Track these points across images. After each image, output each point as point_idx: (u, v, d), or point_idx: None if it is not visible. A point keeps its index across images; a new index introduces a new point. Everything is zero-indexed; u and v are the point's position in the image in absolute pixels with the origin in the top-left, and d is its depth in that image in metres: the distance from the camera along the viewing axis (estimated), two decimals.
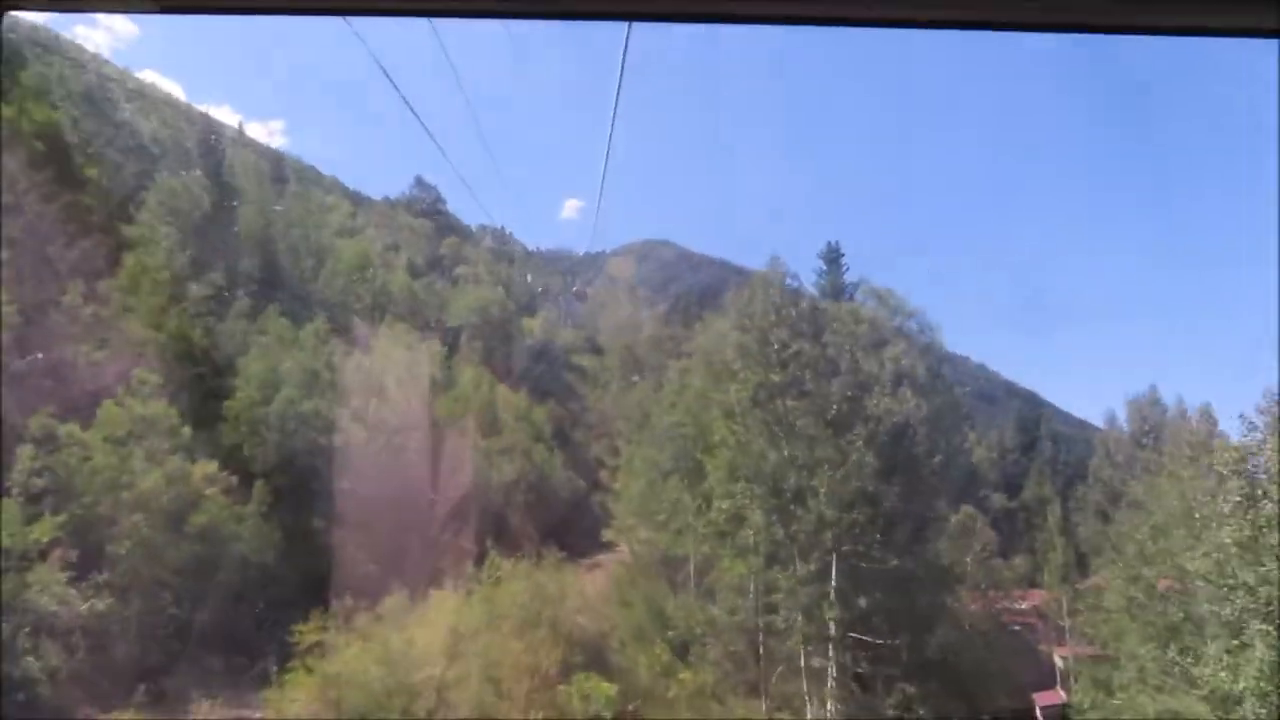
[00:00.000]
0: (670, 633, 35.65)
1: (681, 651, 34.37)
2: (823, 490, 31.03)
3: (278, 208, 70.43)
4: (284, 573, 40.02)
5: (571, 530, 67.38)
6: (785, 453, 32.43)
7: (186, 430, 39.86)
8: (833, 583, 31.66)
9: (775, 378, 33.03)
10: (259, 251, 64.97)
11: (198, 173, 63.86)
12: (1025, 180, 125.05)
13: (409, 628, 34.30)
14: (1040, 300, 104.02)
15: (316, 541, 42.05)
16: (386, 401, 51.45)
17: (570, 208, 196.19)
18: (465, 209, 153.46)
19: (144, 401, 38.80)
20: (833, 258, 34.62)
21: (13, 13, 2.15)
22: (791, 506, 32.03)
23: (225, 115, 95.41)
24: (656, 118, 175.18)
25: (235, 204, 66.05)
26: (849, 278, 42.08)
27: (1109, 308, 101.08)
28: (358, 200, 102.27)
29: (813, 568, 31.77)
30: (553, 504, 65.64)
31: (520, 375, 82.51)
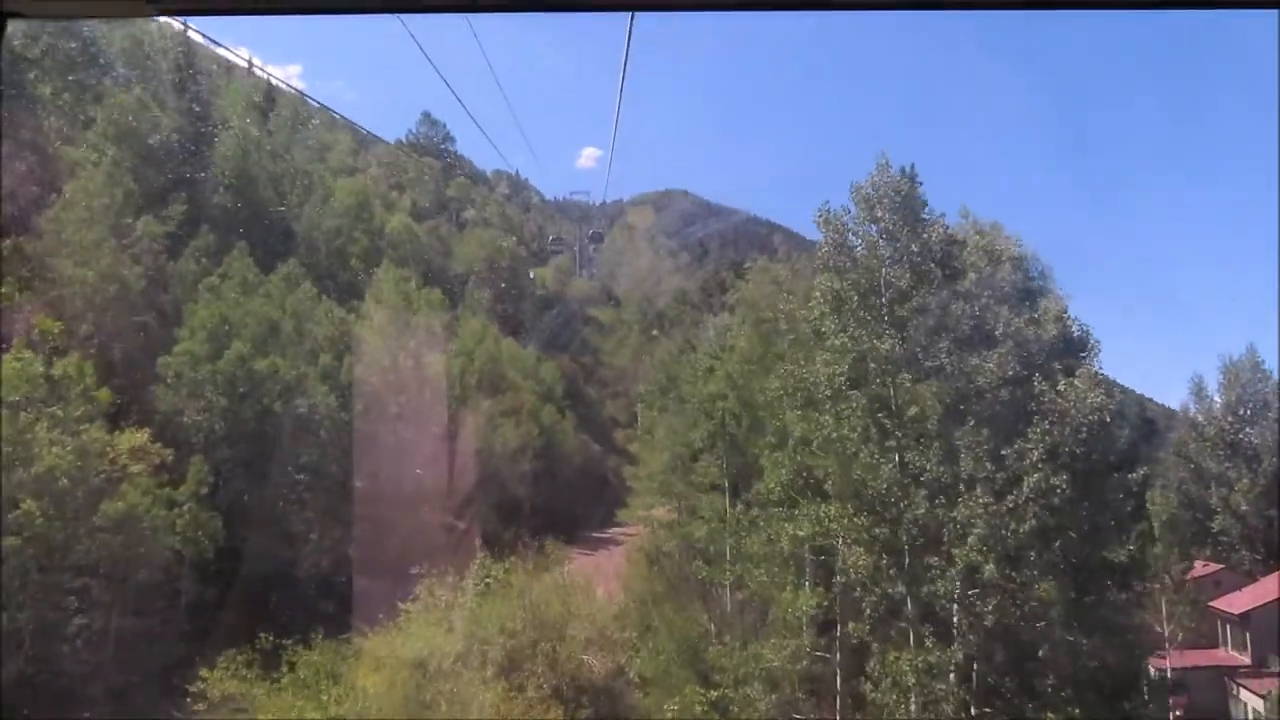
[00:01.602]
0: (706, 682, 26.43)
1: (721, 709, 25.09)
2: (976, 527, 20.12)
3: (265, 142, 60.56)
4: (222, 573, 31.00)
5: (584, 500, 58.47)
6: (905, 463, 22.22)
7: (104, 393, 30.69)
8: (974, 667, 20.96)
9: (886, 346, 22.00)
10: (237, 187, 55.35)
11: (161, 94, 53.97)
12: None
13: (358, 669, 25.27)
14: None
15: (268, 533, 33.03)
16: (369, 359, 42.21)
17: (588, 156, 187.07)
18: (479, 154, 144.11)
19: (48, 357, 29.64)
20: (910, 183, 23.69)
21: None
22: (915, 544, 21.25)
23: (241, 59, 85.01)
24: (675, 65, 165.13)
25: (208, 131, 56.29)
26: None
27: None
28: (364, 140, 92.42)
29: (950, 646, 20.89)
30: (563, 473, 56.64)
31: (530, 327, 73.15)
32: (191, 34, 55.45)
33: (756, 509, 28.59)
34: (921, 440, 21.87)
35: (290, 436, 34.75)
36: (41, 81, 45.18)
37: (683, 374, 42.31)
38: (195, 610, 30.96)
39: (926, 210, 23.85)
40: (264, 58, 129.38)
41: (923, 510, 20.90)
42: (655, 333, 76.80)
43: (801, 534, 22.58)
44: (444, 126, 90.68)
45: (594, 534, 56.84)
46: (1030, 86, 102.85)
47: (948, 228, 23.71)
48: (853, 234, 24.16)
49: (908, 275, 23.02)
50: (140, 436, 31.91)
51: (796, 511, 23.34)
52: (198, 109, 58.80)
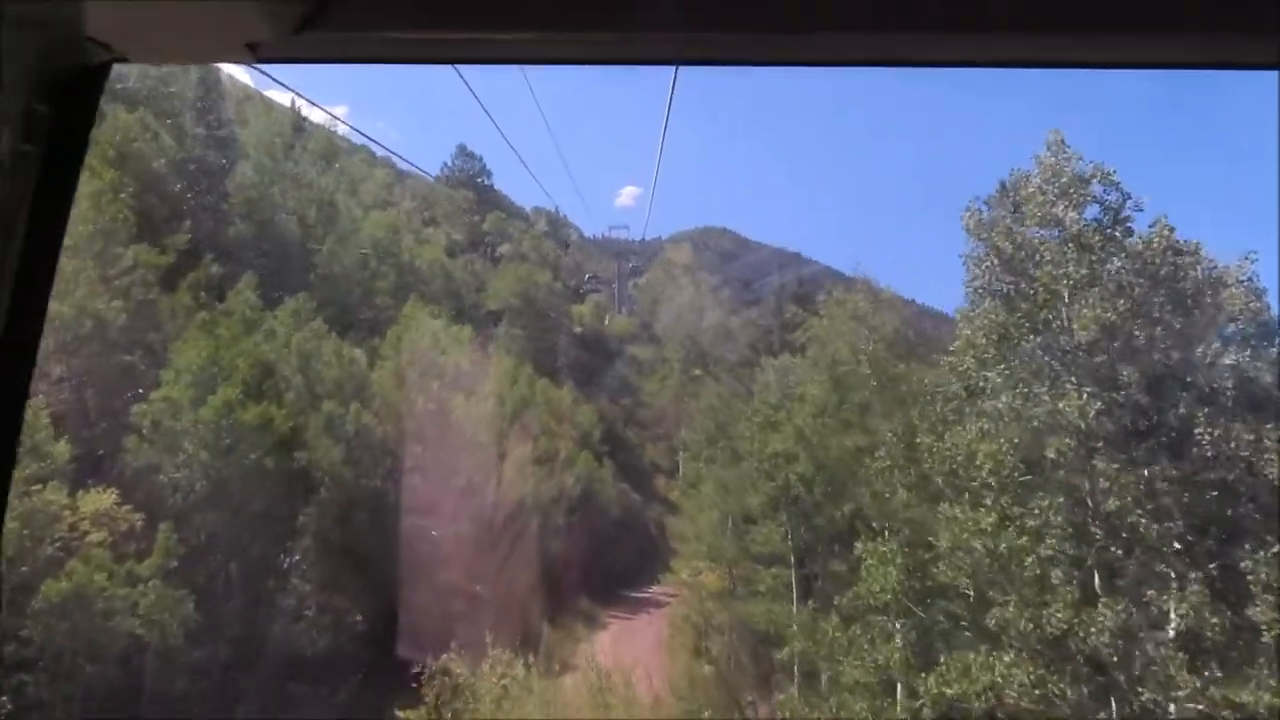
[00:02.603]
0: None
1: None
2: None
3: (288, 172, 55.73)
4: (193, 663, 25.26)
5: (623, 556, 52.32)
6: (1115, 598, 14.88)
7: (62, 448, 25.28)
8: None
9: (1075, 412, 14.49)
10: (254, 218, 50.47)
11: (176, 118, 49.28)
12: None
13: None
14: None
15: (251, 613, 27.34)
16: (385, 404, 36.65)
17: (627, 195, 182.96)
18: (518, 190, 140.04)
19: None
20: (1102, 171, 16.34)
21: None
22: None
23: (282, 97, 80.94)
24: (715, 104, 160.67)
25: (229, 160, 51.48)
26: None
27: None
28: (401, 175, 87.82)
29: None
30: (601, 526, 50.47)
31: (567, 367, 67.40)
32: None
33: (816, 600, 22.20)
34: (1145, 563, 14.63)
35: (284, 497, 29.09)
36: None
37: (737, 424, 36.31)
38: (157, 706, 25.22)
39: (1130, 204, 16.73)
40: (312, 96, 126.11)
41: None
42: (698, 372, 70.68)
43: (951, 692, 15.60)
44: (480, 160, 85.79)
45: (634, 593, 50.65)
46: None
47: (1171, 231, 16.17)
48: (1012, 241, 17.13)
49: (1114, 305, 15.36)
50: (106, 498, 26.48)
51: (944, 662, 16.36)
52: (219, 136, 54.20)
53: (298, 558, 29.63)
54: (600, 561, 48.38)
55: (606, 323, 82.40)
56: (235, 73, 58.99)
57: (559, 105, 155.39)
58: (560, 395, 57.66)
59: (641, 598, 49.89)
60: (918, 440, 19.83)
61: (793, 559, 28.65)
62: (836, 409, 26.57)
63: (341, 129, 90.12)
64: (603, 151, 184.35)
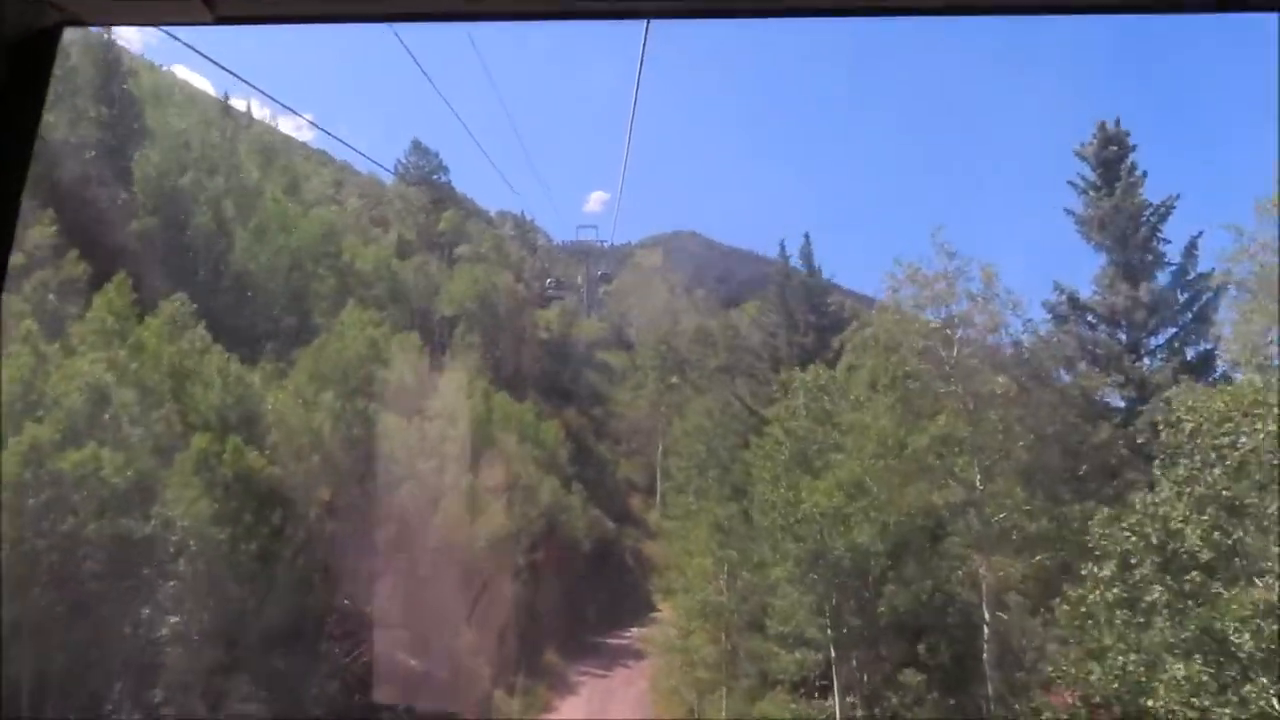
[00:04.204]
0: None
1: None
2: None
3: (203, 161, 46.45)
4: None
5: (597, 596, 43.44)
6: None
7: None
8: None
9: None
10: (161, 212, 41.32)
11: (69, 96, 39.93)
12: None
13: None
14: None
15: None
16: (288, 435, 27.64)
17: (595, 200, 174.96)
18: (478, 191, 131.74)
19: None
20: None
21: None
22: None
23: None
24: (681, 108, 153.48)
25: (126, 147, 42.17)
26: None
27: None
28: (350, 172, 78.47)
29: None
30: (570, 563, 41.49)
31: (531, 377, 58.40)
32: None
33: None
34: None
35: (118, 574, 20.05)
36: None
37: (732, 449, 27.74)
38: None
39: None
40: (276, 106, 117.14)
41: None
42: (676, 380, 61.95)
43: None
44: (437, 156, 76.40)
45: (609, 639, 41.82)
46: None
47: None
48: None
49: None
50: None
51: None
52: (124, 120, 45.03)
53: (146, 652, 20.57)
54: (569, 606, 39.60)
55: (574, 328, 73.38)
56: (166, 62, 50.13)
57: (524, 108, 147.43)
58: (522, 410, 48.65)
59: (618, 645, 41.10)
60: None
61: (833, 652, 20.26)
62: (904, 448, 18.19)
63: (286, 129, 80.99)
64: (569, 157, 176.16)
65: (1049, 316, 25.75)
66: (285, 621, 24.27)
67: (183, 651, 21.18)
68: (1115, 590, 13.57)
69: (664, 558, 45.60)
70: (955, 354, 18.75)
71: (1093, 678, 13.67)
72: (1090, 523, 14.53)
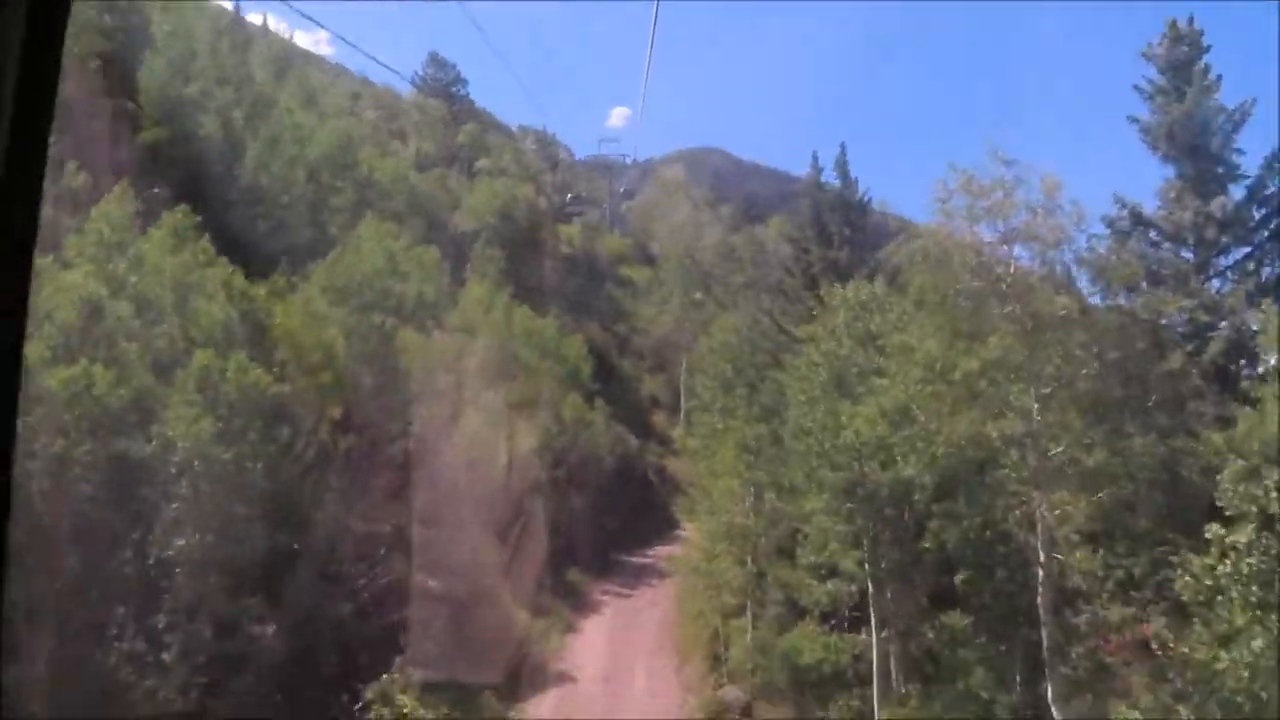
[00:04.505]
0: None
1: None
2: None
3: (211, 69, 44.43)
4: None
5: (619, 513, 42.46)
6: None
7: None
8: None
9: None
10: (169, 122, 39.57)
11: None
12: None
13: None
14: None
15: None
16: (299, 352, 26.35)
17: (618, 116, 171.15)
18: (498, 107, 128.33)
19: None
20: None
21: None
22: None
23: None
24: (706, 21, 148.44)
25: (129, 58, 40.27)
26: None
27: None
28: (367, 84, 75.88)
29: None
30: (593, 480, 40.42)
31: (552, 293, 56.77)
32: None
33: None
34: None
35: (115, 497, 19.01)
36: None
37: (759, 368, 26.12)
38: None
39: None
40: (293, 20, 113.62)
41: None
42: (700, 296, 60.15)
43: None
44: (455, 68, 73.68)
45: (632, 557, 40.98)
46: None
47: None
48: None
49: None
50: None
51: None
52: (128, 32, 43.06)
53: (152, 581, 19.65)
54: (592, 523, 38.61)
55: (597, 243, 71.44)
56: None
57: (546, 22, 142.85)
58: (544, 325, 47.16)
59: (641, 563, 40.24)
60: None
61: (869, 586, 18.93)
62: (954, 373, 16.42)
63: (304, 43, 78.41)
64: (591, 72, 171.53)
65: (1108, 232, 23.57)
66: (296, 543, 23.34)
67: (187, 575, 20.26)
68: (1252, 560, 11.75)
69: (687, 475, 44.55)
70: (1012, 271, 16.91)
71: (1219, 665, 11.99)
72: (1219, 477, 12.78)
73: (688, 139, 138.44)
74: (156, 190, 32.71)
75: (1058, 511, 15.46)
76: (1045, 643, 16.34)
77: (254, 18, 67.22)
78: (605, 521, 40.17)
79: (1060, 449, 16.09)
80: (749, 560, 26.66)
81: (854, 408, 18.86)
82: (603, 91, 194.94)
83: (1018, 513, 16.34)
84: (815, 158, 36.53)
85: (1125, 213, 25.07)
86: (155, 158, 37.60)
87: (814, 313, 22.89)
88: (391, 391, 31.20)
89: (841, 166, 32.73)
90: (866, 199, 32.87)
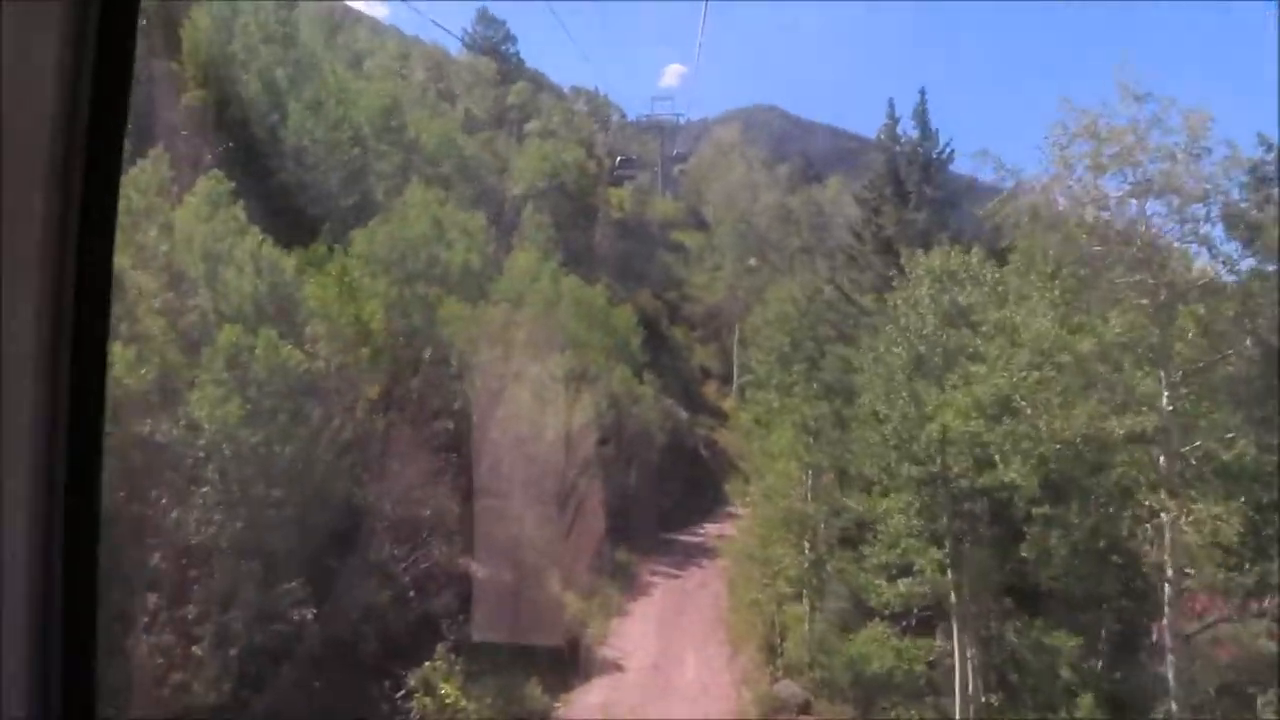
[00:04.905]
0: None
1: None
2: None
3: (254, 28, 42.99)
4: None
5: (669, 490, 40.92)
6: None
7: None
8: None
9: None
10: (208, 84, 38.29)
11: None
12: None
13: None
14: None
15: None
16: (334, 327, 24.94)
17: (671, 74, 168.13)
18: (548, 67, 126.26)
19: None
20: None
21: None
22: None
23: None
24: None
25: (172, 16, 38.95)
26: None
27: None
28: (414, 43, 74.06)
29: None
30: (642, 454, 38.84)
31: (602, 260, 55.00)
32: None
33: None
34: None
35: (138, 482, 17.85)
36: None
37: (851, 362, 23.85)
38: None
39: None
40: None
41: None
42: (755, 263, 57.94)
43: None
44: (505, 25, 71.67)
45: (682, 535, 39.45)
46: None
47: None
48: None
49: None
50: None
51: None
52: None
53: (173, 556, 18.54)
54: (641, 500, 37.12)
55: (648, 207, 69.30)
56: None
57: None
58: (593, 294, 45.44)
59: (691, 542, 38.71)
60: None
61: (952, 595, 16.99)
62: (1071, 353, 14.07)
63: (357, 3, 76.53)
64: (644, 29, 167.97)
65: (1247, 179, 19.65)
66: (332, 527, 22.12)
67: (217, 563, 19.11)
68: None
69: (739, 449, 42.81)
70: (1144, 230, 14.29)
71: None
72: None
73: (743, 97, 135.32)
74: (196, 154, 31.62)
75: (1191, 519, 13.15)
76: (1171, 672, 14.20)
77: None
78: (655, 499, 38.67)
79: (1196, 445, 13.66)
80: (807, 547, 24.91)
81: (941, 395, 16.67)
82: (656, 49, 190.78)
83: (1142, 522, 14.02)
84: (891, 106, 31.66)
85: (1273, 156, 21.21)
86: (197, 121, 36.44)
87: (892, 282, 20.33)
88: (434, 366, 29.87)
89: (920, 117, 28.96)
90: (948, 153, 29.15)
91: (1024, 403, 14.82)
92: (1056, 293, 14.29)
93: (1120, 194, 14.11)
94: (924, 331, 18.94)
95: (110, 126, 1.75)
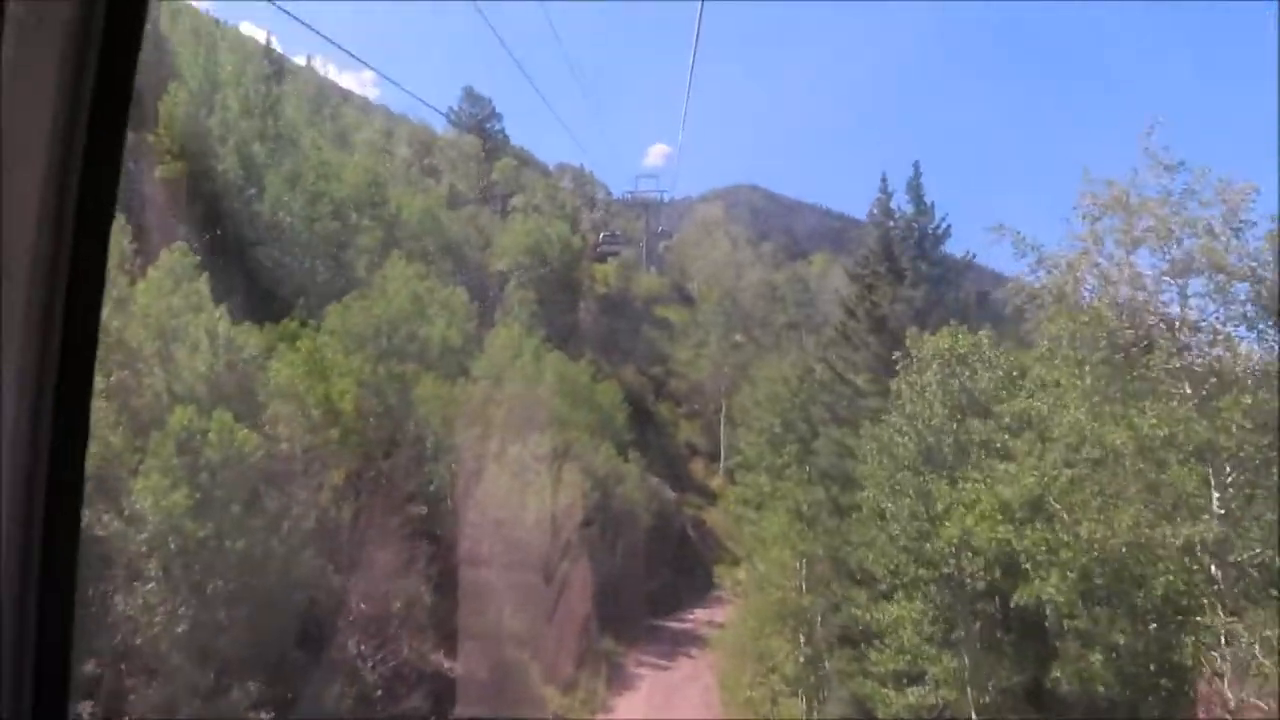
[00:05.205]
0: None
1: None
2: None
3: (235, 101, 42.24)
4: None
5: (654, 573, 39.00)
6: None
7: None
8: None
9: None
10: (186, 154, 37.28)
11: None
12: None
13: None
14: None
15: None
16: (300, 407, 23.35)
17: (656, 154, 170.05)
18: (540, 147, 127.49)
19: None
20: None
21: None
22: None
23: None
24: (742, 60, 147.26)
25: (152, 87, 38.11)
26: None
27: None
28: (399, 120, 73.89)
29: None
30: (624, 538, 36.94)
31: (586, 335, 53.80)
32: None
33: None
34: None
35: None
36: None
37: (848, 447, 22.07)
38: None
39: None
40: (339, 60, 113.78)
41: None
42: (739, 338, 56.87)
43: None
44: (490, 103, 71.63)
45: (669, 621, 37.44)
46: None
47: None
48: None
49: None
50: None
51: None
52: (151, 62, 40.95)
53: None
54: (626, 584, 35.18)
55: (633, 283, 68.47)
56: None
57: (586, 59, 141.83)
58: (577, 371, 44.14)
59: (680, 629, 36.71)
60: None
61: (971, 712, 15.23)
62: (1108, 449, 12.32)
63: (349, 83, 76.58)
64: (630, 110, 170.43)
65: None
66: (292, 624, 20.25)
67: (161, 666, 17.22)
68: None
69: (728, 530, 41.08)
70: (1183, 312, 12.85)
71: None
72: None
73: (726, 176, 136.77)
74: (168, 227, 30.36)
75: (1255, 641, 11.40)
76: None
77: (300, 60, 65.43)
78: (641, 583, 36.75)
79: (1255, 553, 11.95)
80: (803, 641, 23.11)
81: (955, 491, 14.94)
82: (641, 128, 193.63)
83: (1195, 638, 12.21)
84: (884, 180, 29.75)
85: None
86: (171, 193, 35.32)
87: (894, 364, 18.69)
88: (409, 447, 28.24)
89: (915, 191, 27.48)
90: (944, 228, 27.55)
91: (1058, 505, 13.17)
92: (1088, 381, 12.71)
93: (1156, 272, 12.62)
94: (932, 421, 17.21)
95: (111, 129, 1.74)
